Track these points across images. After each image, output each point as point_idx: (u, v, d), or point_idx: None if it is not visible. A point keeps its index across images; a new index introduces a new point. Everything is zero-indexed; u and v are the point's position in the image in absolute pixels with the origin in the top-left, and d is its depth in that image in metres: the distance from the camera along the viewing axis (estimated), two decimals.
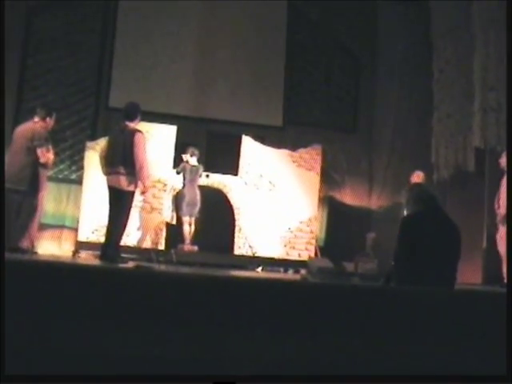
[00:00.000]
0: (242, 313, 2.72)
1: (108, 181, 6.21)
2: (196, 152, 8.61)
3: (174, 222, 8.69)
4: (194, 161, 8.61)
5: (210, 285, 3.05)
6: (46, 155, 6.64)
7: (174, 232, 8.81)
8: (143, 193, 6.32)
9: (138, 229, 8.68)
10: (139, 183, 6.11)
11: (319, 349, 2.59)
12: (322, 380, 2.36)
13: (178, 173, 8.61)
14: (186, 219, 8.51)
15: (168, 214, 8.66)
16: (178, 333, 2.58)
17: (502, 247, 6.83)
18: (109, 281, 2.91)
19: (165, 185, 8.90)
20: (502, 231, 6.86)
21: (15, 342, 2.38)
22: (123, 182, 6.05)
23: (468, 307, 3.01)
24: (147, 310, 2.70)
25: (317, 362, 2.49)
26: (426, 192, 4.58)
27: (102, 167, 6.32)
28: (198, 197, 8.59)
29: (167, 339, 2.58)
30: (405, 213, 4.54)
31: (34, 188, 6.55)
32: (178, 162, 8.76)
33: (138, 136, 6.12)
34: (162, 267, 6.17)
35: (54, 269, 3.24)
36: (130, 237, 8.40)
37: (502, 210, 6.79)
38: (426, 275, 3.94)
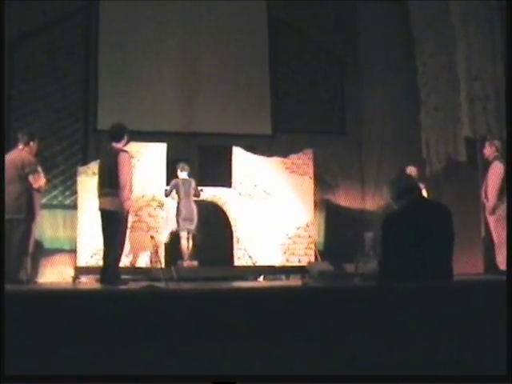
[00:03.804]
0: (245, 321, 2.71)
1: (99, 204, 6.21)
2: (186, 167, 8.61)
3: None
4: (184, 175, 8.61)
5: (214, 298, 3.06)
6: (38, 181, 6.65)
7: (172, 249, 8.79)
8: (127, 213, 6.24)
9: (135, 249, 8.63)
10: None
11: (322, 350, 2.59)
12: (322, 380, 2.34)
13: (166, 195, 8.61)
14: (183, 234, 8.48)
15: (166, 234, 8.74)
16: (184, 345, 2.57)
17: (495, 236, 6.81)
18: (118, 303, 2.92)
19: (160, 203, 8.88)
20: (492, 221, 6.85)
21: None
22: (112, 204, 6.03)
23: (467, 305, 3.00)
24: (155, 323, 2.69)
25: (320, 362, 2.48)
26: (410, 183, 4.47)
27: (97, 191, 6.33)
28: (195, 211, 8.56)
29: (168, 340, 2.57)
30: (394, 207, 4.40)
31: (30, 215, 6.56)
32: (172, 178, 8.74)
33: (121, 156, 6.11)
34: (171, 285, 6.12)
35: (56, 297, 3.24)
36: (129, 257, 8.38)
37: (490, 202, 6.78)
38: (421, 270, 3.87)
